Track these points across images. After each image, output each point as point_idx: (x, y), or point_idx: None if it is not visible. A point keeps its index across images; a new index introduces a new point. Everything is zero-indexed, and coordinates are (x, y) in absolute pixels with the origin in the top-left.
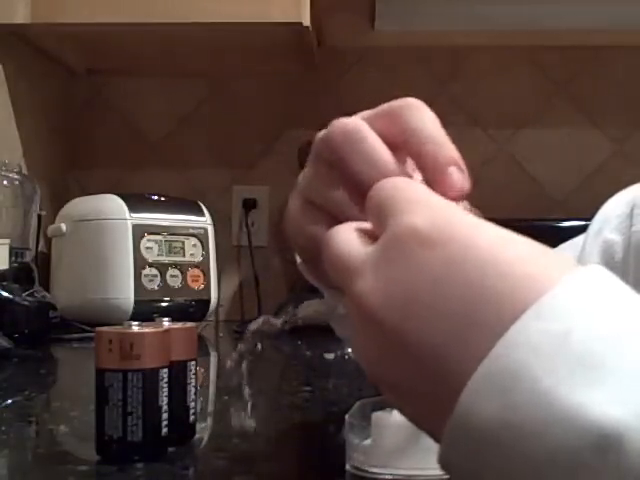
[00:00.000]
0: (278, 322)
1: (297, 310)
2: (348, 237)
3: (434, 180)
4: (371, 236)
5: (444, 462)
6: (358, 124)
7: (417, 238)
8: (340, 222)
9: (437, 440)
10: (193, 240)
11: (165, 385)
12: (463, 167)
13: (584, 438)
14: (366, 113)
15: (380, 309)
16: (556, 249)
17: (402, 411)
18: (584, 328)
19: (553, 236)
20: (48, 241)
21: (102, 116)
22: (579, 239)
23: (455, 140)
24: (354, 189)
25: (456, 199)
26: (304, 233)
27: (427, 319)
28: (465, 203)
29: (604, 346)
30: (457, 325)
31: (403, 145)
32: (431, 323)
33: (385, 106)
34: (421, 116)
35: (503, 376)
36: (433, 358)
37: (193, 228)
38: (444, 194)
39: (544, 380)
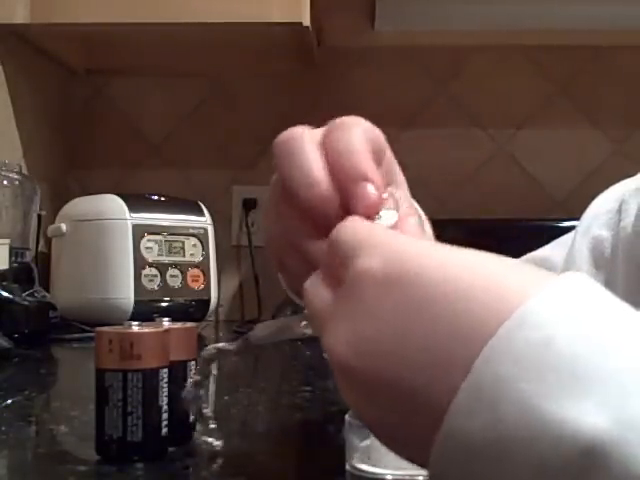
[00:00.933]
0: (232, 347)
1: (250, 334)
2: (317, 286)
3: (348, 194)
4: (339, 280)
5: (434, 477)
6: (298, 134)
7: (372, 280)
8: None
9: (419, 464)
10: (193, 240)
11: (165, 385)
12: (375, 180)
13: (571, 450)
14: (318, 130)
15: (349, 359)
16: (545, 247)
17: (389, 447)
18: (566, 335)
19: (553, 236)
20: (48, 241)
21: (102, 116)
22: (567, 237)
23: (455, 140)
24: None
25: (369, 213)
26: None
27: (395, 360)
28: (416, 218)
29: (586, 353)
30: (427, 360)
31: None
32: (401, 365)
33: (330, 123)
34: (345, 132)
35: (487, 389)
36: (411, 399)
37: (193, 228)
38: (356, 208)
39: (528, 392)
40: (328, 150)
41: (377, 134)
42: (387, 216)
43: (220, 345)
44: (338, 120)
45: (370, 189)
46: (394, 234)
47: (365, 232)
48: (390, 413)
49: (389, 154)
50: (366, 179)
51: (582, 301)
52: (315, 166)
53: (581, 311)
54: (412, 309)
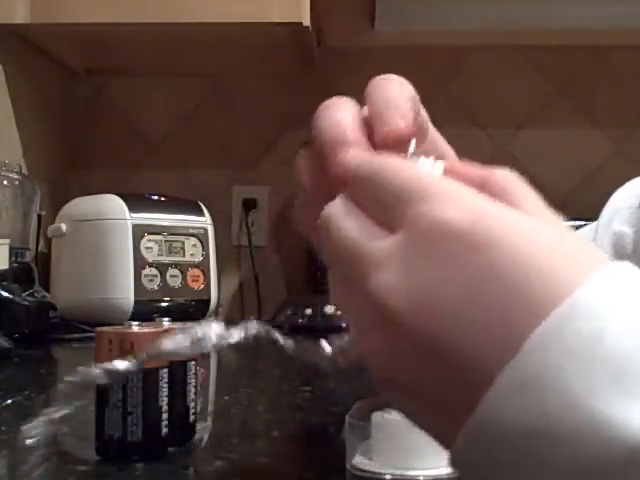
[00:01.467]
0: (129, 366)
1: (154, 346)
2: (361, 223)
3: (372, 125)
4: (377, 223)
5: (457, 461)
6: (340, 99)
7: (452, 234)
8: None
9: (442, 441)
10: (193, 240)
11: (165, 385)
12: (405, 110)
13: (618, 451)
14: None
15: (402, 309)
16: None
17: (408, 413)
18: (618, 329)
19: None
20: (48, 241)
21: (102, 116)
22: (588, 229)
23: (455, 140)
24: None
25: (396, 141)
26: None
27: (456, 324)
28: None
29: (638, 349)
30: (488, 332)
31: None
32: (460, 329)
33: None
34: (385, 82)
35: (533, 379)
36: (458, 363)
37: (193, 228)
38: (382, 137)
39: (576, 385)
40: (367, 100)
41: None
42: (429, 164)
43: (110, 366)
44: (378, 77)
45: (400, 117)
46: (462, 186)
47: (419, 177)
48: (428, 375)
49: (424, 115)
50: (394, 105)
51: (634, 292)
52: (349, 122)
53: (633, 303)
54: (491, 276)
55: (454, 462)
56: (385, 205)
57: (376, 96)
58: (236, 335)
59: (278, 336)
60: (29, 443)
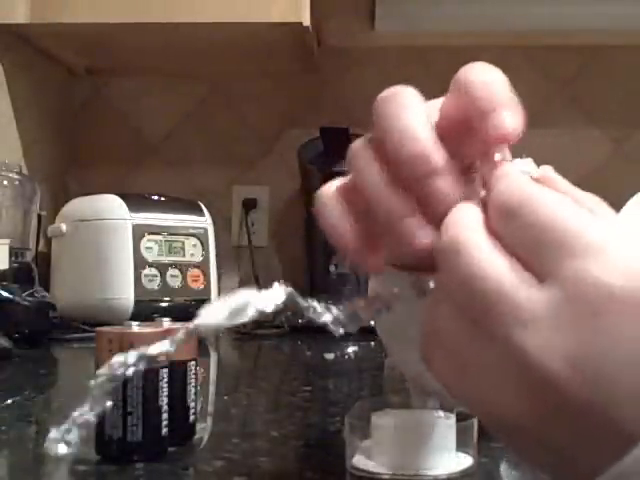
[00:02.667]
0: (170, 347)
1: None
2: (509, 264)
3: (477, 127)
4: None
5: None
6: (408, 90)
7: (619, 302)
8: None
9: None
10: (193, 240)
11: (165, 385)
12: (513, 108)
13: None
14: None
15: (562, 375)
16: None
17: (529, 460)
18: None
19: None
20: (48, 241)
21: (102, 116)
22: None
23: None
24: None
25: (502, 141)
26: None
27: (625, 397)
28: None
29: None
30: None
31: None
32: (629, 401)
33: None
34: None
35: None
36: (614, 432)
37: (193, 228)
38: (487, 140)
39: None
40: (466, 82)
41: None
42: (524, 167)
43: (150, 350)
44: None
45: (508, 114)
46: (624, 241)
47: (581, 226)
48: (570, 436)
49: None
50: (503, 106)
51: None
52: (419, 128)
53: None
54: None
55: None
56: (536, 247)
57: (481, 89)
58: (270, 304)
59: (302, 300)
60: (61, 452)
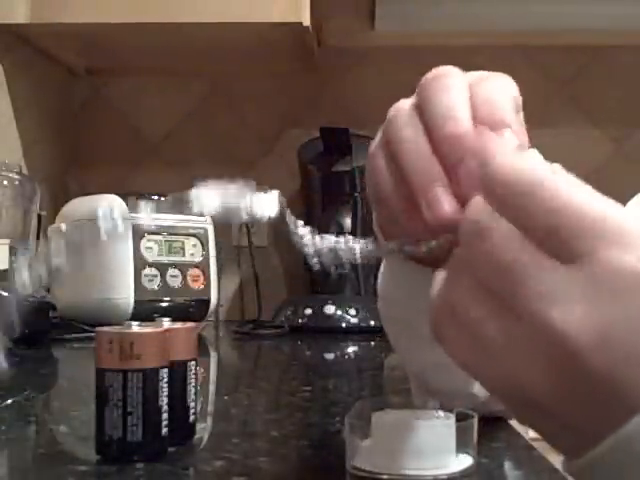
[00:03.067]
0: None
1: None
2: (531, 249)
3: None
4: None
5: (583, 474)
6: (454, 71)
7: (632, 277)
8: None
9: (565, 452)
10: (193, 240)
11: (165, 385)
12: (513, 126)
13: None
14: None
15: (588, 347)
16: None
17: (537, 428)
18: None
19: None
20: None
21: (102, 116)
22: None
23: None
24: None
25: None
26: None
27: (631, 361)
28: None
29: None
30: None
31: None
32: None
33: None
34: (493, 82)
35: None
36: (628, 399)
37: (193, 228)
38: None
39: None
40: (473, 95)
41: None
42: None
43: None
44: (485, 73)
45: (509, 136)
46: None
47: (605, 214)
48: (587, 405)
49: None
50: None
51: None
52: (463, 103)
53: None
54: None
55: (576, 474)
56: (557, 232)
57: (482, 91)
58: (263, 212)
59: (291, 221)
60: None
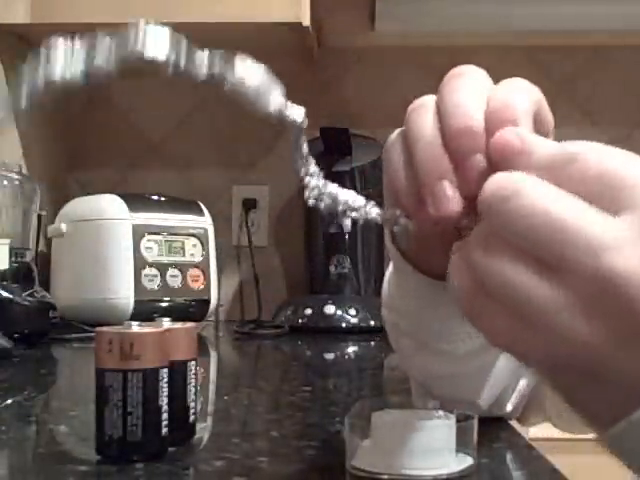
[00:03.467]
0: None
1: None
2: (577, 202)
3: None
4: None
5: (618, 442)
6: (474, 70)
7: None
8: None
9: (596, 421)
10: (193, 240)
11: (165, 385)
12: (518, 124)
13: None
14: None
15: None
16: None
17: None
18: None
19: None
20: (48, 241)
21: (102, 116)
22: None
23: None
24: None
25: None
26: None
27: None
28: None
29: None
30: None
31: None
32: None
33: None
34: (512, 87)
35: None
36: None
37: (193, 228)
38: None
39: None
40: (492, 95)
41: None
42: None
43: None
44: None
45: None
46: None
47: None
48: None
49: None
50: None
51: None
52: (472, 103)
53: None
54: None
55: (611, 443)
56: (600, 187)
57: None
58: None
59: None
60: None
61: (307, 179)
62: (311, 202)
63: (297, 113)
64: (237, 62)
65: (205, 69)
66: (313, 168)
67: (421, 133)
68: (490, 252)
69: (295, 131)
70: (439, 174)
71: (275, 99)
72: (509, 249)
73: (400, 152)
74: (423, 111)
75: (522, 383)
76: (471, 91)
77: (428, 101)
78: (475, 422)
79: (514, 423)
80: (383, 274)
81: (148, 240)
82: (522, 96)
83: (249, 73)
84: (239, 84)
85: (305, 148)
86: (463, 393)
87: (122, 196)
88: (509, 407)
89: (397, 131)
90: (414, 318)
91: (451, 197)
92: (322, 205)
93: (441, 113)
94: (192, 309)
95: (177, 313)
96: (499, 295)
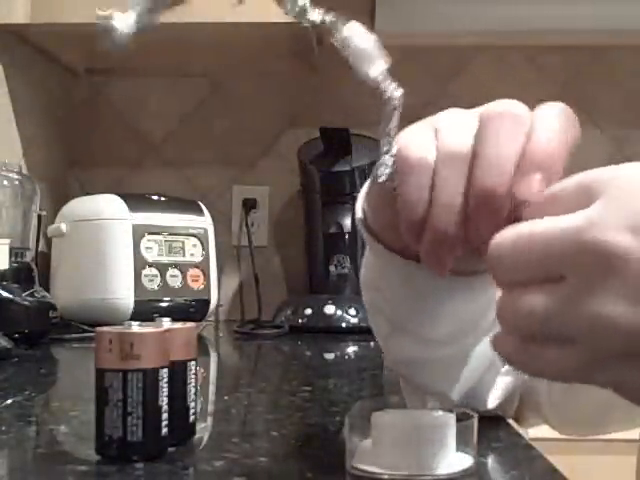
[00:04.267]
0: None
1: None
2: (548, 218)
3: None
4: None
5: None
6: (516, 105)
7: None
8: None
9: None
10: (193, 240)
11: (165, 385)
12: (552, 171)
13: None
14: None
15: None
16: None
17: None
18: None
19: None
20: (48, 241)
21: (102, 116)
22: None
23: None
24: None
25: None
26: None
27: None
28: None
29: None
30: None
31: None
32: None
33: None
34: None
35: None
36: None
37: (193, 228)
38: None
39: None
40: (532, 137)
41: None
42: None
43: None
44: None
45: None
46: None
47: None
48: None
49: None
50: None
51: None
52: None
53: None
54: None
55: None
56: (578, 192)
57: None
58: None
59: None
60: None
61: (384, 157)
62: (381, 179)
63: (396, 90)
64: (349, 22)
65: (319, 16)
66: (394, 150)
67: (447, 191)
68: (509, 302)
69: (389, 107)
70: (450, 244)
71: (378, 67)
72: (519, 288)
73: (420, 187)
74: (457, 166)
75: (506, 380)
76: (510, 141)
77: (463, 149)
78: (475, 421)
79: (514, 423)
80: None
81: (148, 240)
82: (560, 143)
83: (357, 34)
84: (346, 41)
85: (395, 129)
86: (434, 382)
87: (122, 196)
88: (492, 403)
89: (419, 133)
90: (388, 295)
91: (449, 261)
92: (390, 184)
93: (475, 165)
94: (192, 309)
95: (177, 313)
96: (538, 326)
